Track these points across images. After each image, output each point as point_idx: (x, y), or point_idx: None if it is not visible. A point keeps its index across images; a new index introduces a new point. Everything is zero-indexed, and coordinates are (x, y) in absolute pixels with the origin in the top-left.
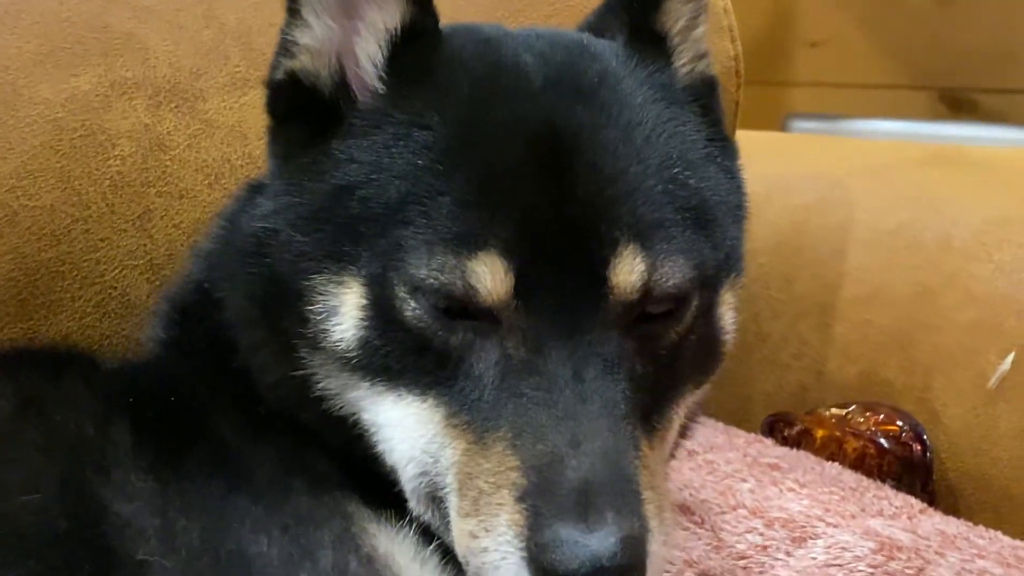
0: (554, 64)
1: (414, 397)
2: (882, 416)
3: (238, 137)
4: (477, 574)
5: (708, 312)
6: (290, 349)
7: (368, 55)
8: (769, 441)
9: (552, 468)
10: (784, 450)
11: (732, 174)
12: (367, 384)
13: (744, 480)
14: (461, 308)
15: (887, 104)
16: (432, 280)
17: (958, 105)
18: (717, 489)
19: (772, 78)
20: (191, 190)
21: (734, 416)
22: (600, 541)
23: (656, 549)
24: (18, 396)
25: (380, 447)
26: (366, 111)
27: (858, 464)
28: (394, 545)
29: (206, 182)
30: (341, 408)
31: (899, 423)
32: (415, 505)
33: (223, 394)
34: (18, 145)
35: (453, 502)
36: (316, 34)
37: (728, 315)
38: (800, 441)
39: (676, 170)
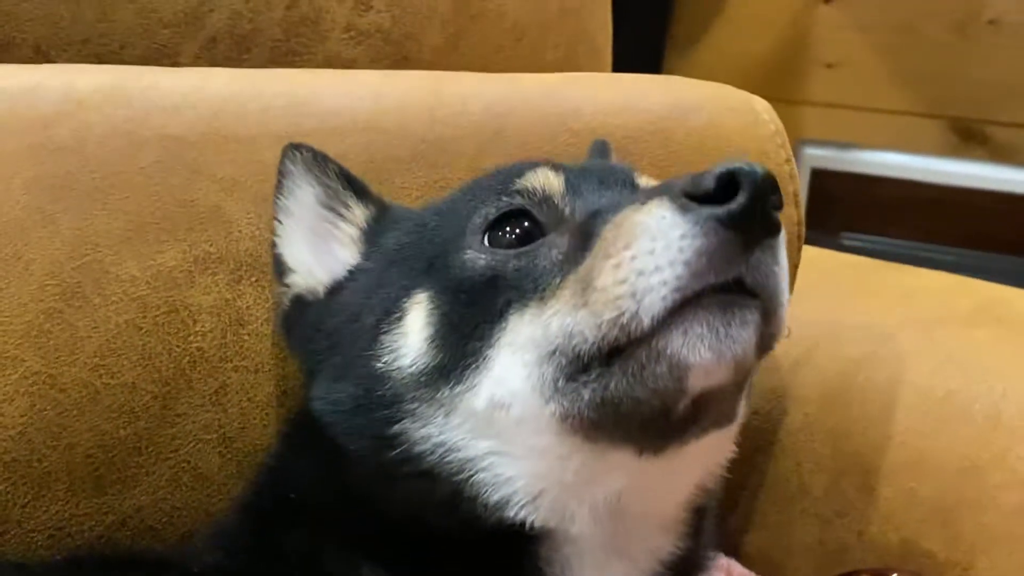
0: None
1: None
2: None
3: None
4: (633, 294)
5: None
6: (379, 436)
7: (351, 254)
8: None
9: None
10: None
11: None
12: (441, 393)
13: None
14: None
15: (898, 130)
16: (495, 206)
17: (969, 136)
18: None
19: (786, 96)
20: (267, 364)
21: (772, 566)
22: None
23: None
24: None
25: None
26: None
27: None
28: None
29: (281, 356)
30: (444, 455)
31: None
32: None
33: None
34: (103, 324)
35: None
36: (304, 273)
37: None
38: None
39: None
